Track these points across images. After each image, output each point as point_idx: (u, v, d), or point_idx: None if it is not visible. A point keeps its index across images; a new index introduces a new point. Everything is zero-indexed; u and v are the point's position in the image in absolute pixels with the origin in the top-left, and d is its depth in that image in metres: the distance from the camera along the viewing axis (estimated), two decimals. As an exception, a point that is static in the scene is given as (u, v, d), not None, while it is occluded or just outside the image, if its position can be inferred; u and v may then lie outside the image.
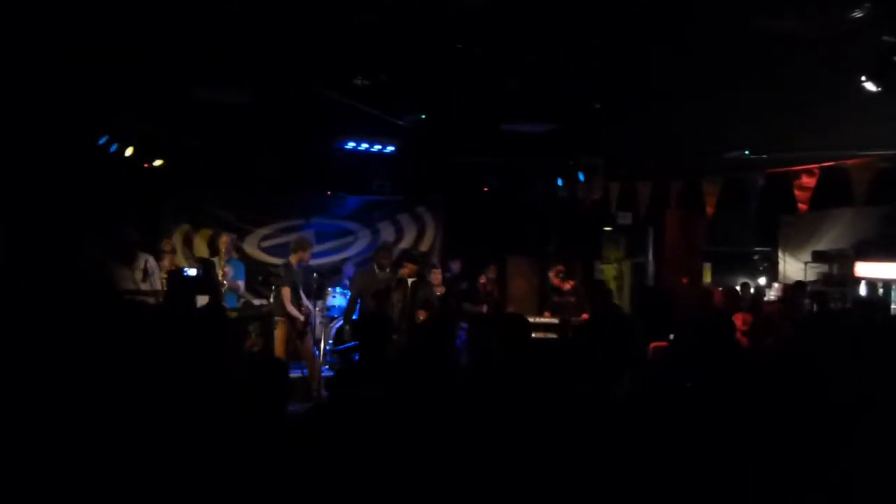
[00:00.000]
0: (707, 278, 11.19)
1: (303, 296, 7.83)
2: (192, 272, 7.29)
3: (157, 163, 8.85)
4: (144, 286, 7.28)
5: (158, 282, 7.72)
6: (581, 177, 9.51)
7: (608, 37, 5.59)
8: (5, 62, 5.45)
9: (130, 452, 2.67)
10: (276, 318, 7.42)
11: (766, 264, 12.12)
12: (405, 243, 10.91)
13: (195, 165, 9.39)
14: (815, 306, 8.19)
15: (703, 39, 5.45)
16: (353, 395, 3.70)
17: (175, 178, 9.42)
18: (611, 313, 6.52)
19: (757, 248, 12.21)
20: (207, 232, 9.84)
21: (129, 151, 8.11)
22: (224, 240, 8.10)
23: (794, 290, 8.80)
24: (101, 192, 8.24)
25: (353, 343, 7.81)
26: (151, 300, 6.95)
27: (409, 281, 7.01)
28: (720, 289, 9.40)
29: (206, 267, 7.39)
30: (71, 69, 6.08)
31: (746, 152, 8.15)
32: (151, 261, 7.84)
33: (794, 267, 11.68)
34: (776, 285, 11.15)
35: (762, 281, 11.71)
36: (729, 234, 11.70)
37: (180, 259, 9.30)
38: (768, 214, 10.82)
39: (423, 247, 11.03)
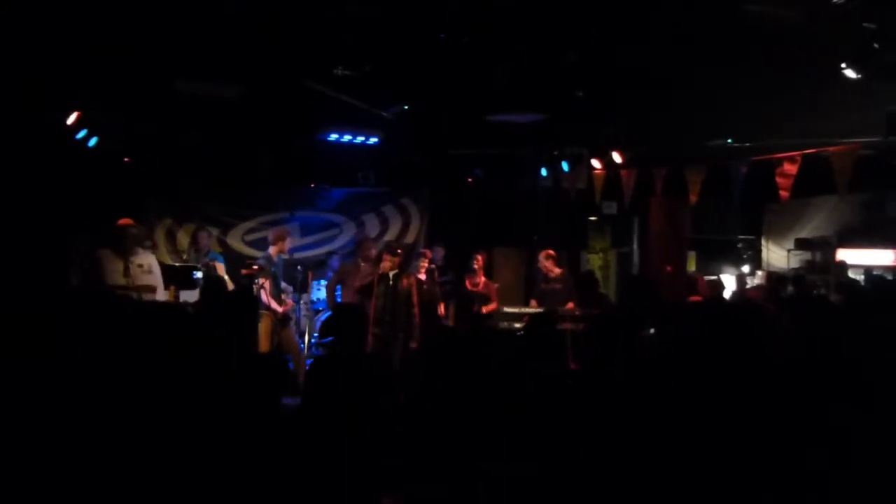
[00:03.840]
0: (692, 266, 11.25)
1: (284, 288, 7.79)
2: (199, 274, 7.32)
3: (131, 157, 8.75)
4: (139, 272, 7.15)
5: (145, 278, 7.59)
6: (565, 166, 9.52)
7: (592, 25, 5.59)
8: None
9: (127, 447, 2.65)
10: (259, 311, 7.36)
11: (750, 252, 12.18)
12: (390, 235, 10.87)
13: (178, 159, 9.29)
14: (794, 291, 8.27)
15: (687, 26, 5.45)
16: (328, 387, 3.69)
17: (158, 172, 9.33)
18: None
19: (741, 237, 12.28)
20: (191, 227, 9.75)
21: (97, 144, 7.99)
22: (201, 234, 8.05)
23: (776, 280, 8.90)
24: (86, 188, 8.13)
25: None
26: (135, 295, 6.86)
27: (391, 274, 6.97)
28: (704, 277, 9.47)
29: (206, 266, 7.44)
30: (52, 62, 6.00)
31: (730, 140, 8.19)
32: (148, 256, 7.72)
33: (777, 255, 11.77)
34: (760, 273, 11.23)
35: (746, 269, 11.78)
36: (714, 223, 11.76)
37: (163, 254, 9.20)
38: (752, 202, 10.88)
39: (409, 238, 10.99)
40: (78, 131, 7.37)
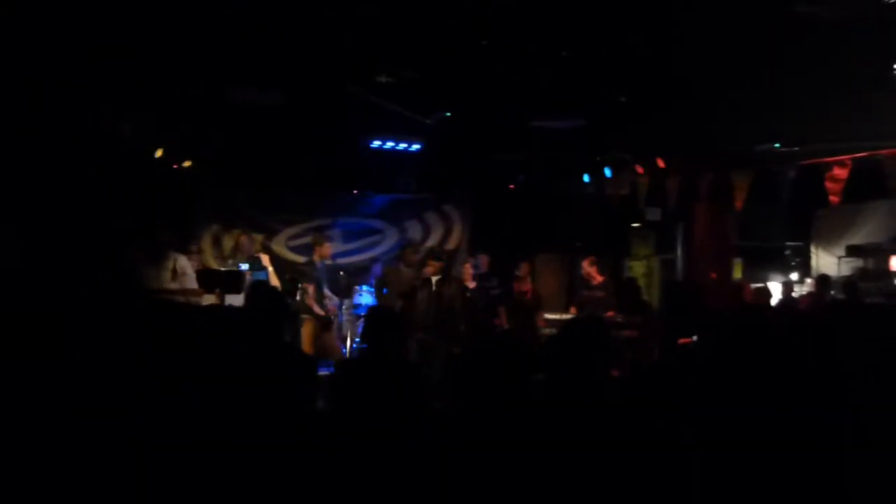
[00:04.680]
0: (738, 274, 11.02)
1: (327, 292, 7.89)
2: (245, 266, 7.49)
3: (187, 164, 8.96)
4: (174, 285, 7.33)
5: (190, 281, 7.77)
6: (608, 172, 9.44)
7: (635, 29, 5.54)
8: (35, 63, 5.55)
9: (168, 445, 2.70)
10: (302, 315, 7.49)
11: (798, 259, 11.89)
12: (432, 241, 10.92)
13: (224, 166, 9.49)
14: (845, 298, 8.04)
15: (734, 29, 5.36)
16: (353, 391, 3.69)
17: (204, 179, 9.53)
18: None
19: (789, 243, 11.99)
20: (237, 232, 9.94)
21: (158, 153, 8.22)
22: (243, 238, 8.21)
23: (821, 284, 8.63)
24: (132, 194, 8.34)
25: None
26: (181, 299, 7.02)
27: (434, 279, 7.00)
28: (751, 285, 9.28)
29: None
30: (100, 71, 6.18)
31: (777, 145, 8.02)
32: (182, 260, 7.91)
33: (827, 261, 11.45)
34: (809, 280, 10.95)
35: (794, 276, 11.50)
36: (760, 229, 11.50)
37: (209, 260, 9.40)
38: (800, 208, 10.62)
39: (451, 245, 11.03)
40: (133, 141, 7.58)
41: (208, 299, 7.22)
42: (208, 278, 7.58)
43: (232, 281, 7.92)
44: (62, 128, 6.61)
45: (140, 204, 8.40)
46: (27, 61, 5.53)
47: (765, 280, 10.61)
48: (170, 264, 7.51)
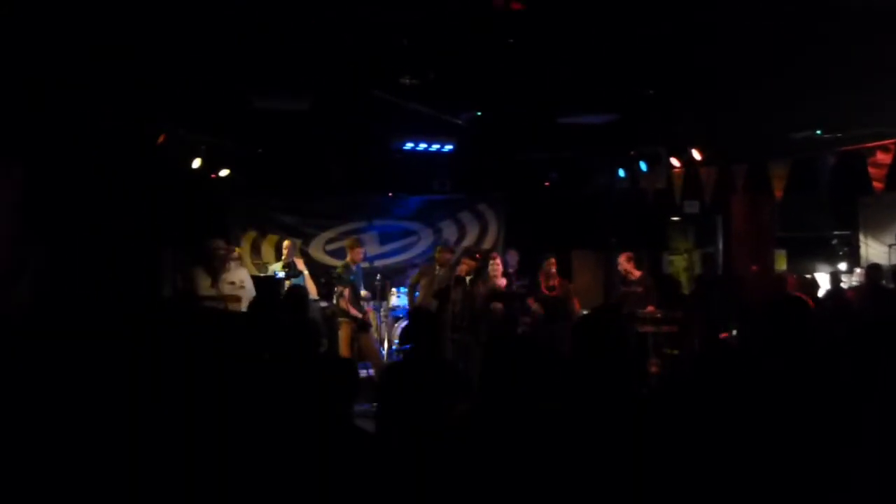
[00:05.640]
0: (782, 265, 10.76)
1: (364, 295, 7.94)
2: (281, 274, 7.61)
3: (224, 173, 9.11)
4: (230, 288, 7.44)
5: (231, 288, 7.89)
6: (643, 166, 9.31)
7: (663, 19, 5.45)
8: (76, 83, 5.71)
9: (209, 450, 2.75)
10: (339, 318, 7.55)
11: (846, 248, 11.54)
12: (468, 241, 10.92)
13: (259, 173, 9.63)
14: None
15: (768, 12, 5.22)
16: (401, 392, 3.71)
17: (241, 186, 9.68)
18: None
19: (836, 232, 11.65)
20: (274, 238, 10.08)
21: (196, 163, 8.38)
22: (286, 244, 8.30)
23: (872, 273, 8.35)
24: (179, 204, 8.55)
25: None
26: (222, 305, 7.13)
27: (468, 278, 6.99)
28: (794, 276, 9.05)
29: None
30: (142, 86, 6.34)
31: (818, 132, 7.80)
32: (233, 268, 8.03)
33: (877, 250, 11.09)
34: (858, 270, 10.62)
35: (842, 266, 11.17)
36: (805, 218, 11.20)
37: (248, 265, 9.54)
38: (844, 196, 10.31)
39: (487, 244, 11.01)
40: (165, 150, 7.74)
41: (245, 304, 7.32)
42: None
43: (271, 286, 8.05)
44: (106, 143, 6.80)
45: (185, 214, 8.60)
46: (69, 79, 5.70)
47: (811, 271, 10.34)
48: (229, 276, 7.65)
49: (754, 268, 9.29)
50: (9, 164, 5.67)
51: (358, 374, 3.87)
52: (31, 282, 5.87)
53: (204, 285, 7.40)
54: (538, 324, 7.95)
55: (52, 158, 6.21)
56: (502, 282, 7.72)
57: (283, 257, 8.32)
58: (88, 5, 4.74)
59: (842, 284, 9.62)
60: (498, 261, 7.99)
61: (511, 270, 8.12)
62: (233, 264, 7.53)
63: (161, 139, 7.48)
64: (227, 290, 7.03)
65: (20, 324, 3.76)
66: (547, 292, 8.26)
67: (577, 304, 8.32)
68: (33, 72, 5.46)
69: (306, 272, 8.11)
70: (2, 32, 4.83)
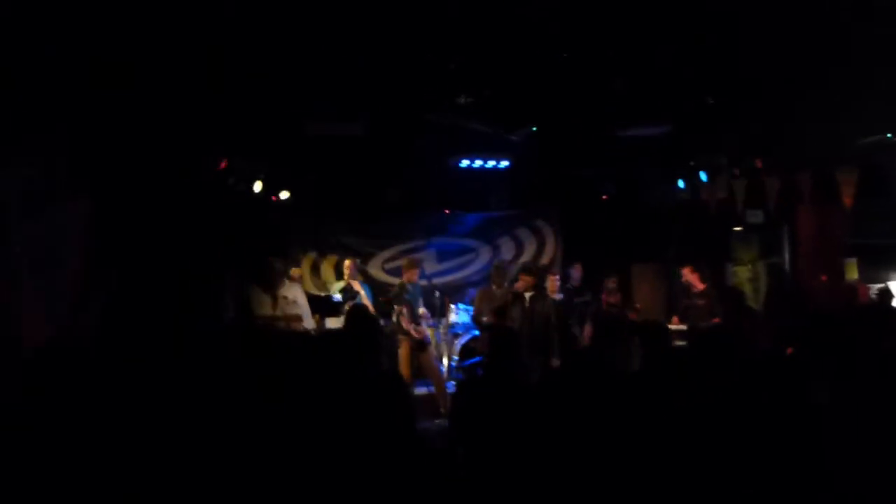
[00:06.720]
0: (853, 274, 10.35)
1: (423, 313, 7.98)
2: (339, 297, 7.76)
3: (284, 195, 9.33)
4: (276, 312, 7.62)
5: (293, 307, 8.07)
6: (704, 176, 9.13)
7: (718, 28, 5.36)
8: (140, 115, 5.94)
9: (268, 469, 2.80)
10: (399, 336, 7.62)
11: (921, 256, 11.03)
12: (525, 257, 10.86)
13: (318, 196, 9.81)
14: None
15: (833, 12, 5.07)
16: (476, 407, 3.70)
17: (300, 208, 9.88)
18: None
19: (910, 239, 11.15)
20: (333, 258, 10.23)
21: (258, 186, 8.60)
22: (347, 263, 8.44)
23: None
24: (242, 227, 8.79)
25: (477, 358, 7.89)
26: (283, 324, 7.30)
27: (527, 295, 6.94)
28: (868, 286, 8.71)
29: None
30: (202, 113, 6.56)
31: (889, 135, 7.50)
32: (295, 288, 8.22)
33: (958, 258, 10.58)
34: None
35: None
36: (876, 226, 10.75)
37: (308, 286, 9.71)
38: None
39: (544, 260, 10.93)
40: (227, 176, 7.97)
41: (308, 324, 7.47)
42: (309, 304, 7.87)
43: (332, 306, 8.20)
44: (169, 172, 7.05)
45: (249, 236, 8.84)
46: (132, 110, 5.94)
47: (885, 280, 9.93)
48: (283, 292, 7.85)
49: (824, 277, 8.97)
50: (77, 196, 5.92)
51: (407, 390, 3.88)
52: (100, 309, 6.09)
53: (264, 305, 7.60)
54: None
55: (118, 189, 6.46)
56: (557, 297, 7.66)
57: (344, 276, 8.45)
58: (151, 43, 4.94)
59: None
60: (554, 278, 7.94)
61: (574, 285, 8.04)
62: (287, 282, 7.70)
63: (223, 165, 7.71)
64: (282, 304, 7.21)
65: (90, 350, 3.90)
66: (608, 310, 8.16)
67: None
68: (97, 105, 5.69)
69: (362, 293, 8.20)
70: (70, 73, 5.06)
